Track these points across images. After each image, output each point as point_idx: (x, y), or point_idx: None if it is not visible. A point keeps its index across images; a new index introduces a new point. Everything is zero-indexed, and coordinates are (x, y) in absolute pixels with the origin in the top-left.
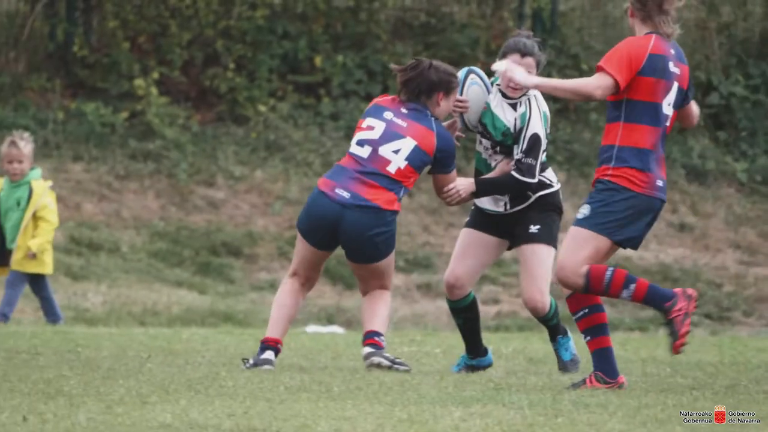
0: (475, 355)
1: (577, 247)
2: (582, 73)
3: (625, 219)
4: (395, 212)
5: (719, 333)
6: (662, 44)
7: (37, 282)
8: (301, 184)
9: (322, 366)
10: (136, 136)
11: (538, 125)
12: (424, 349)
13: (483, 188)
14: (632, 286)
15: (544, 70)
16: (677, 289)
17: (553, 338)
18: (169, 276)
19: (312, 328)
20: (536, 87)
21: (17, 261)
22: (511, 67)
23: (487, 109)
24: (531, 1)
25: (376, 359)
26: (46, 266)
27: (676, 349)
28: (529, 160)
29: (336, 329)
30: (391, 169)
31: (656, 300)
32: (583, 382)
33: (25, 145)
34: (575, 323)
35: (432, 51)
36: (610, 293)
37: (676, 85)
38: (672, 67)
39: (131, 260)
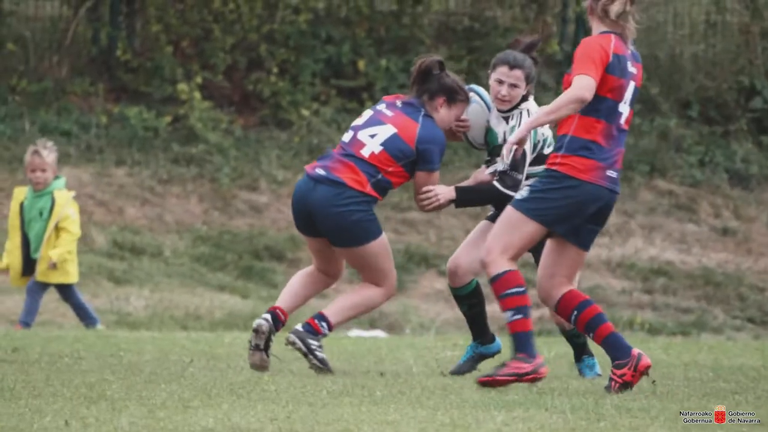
0: (483, 341)
1: (507, 230)
2: None
3: (563, 208)
4: (366, 195)
5: (762, 337)
6: (621, 44)
7: (64, 291)
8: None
9: (364, 370)
10: (179, 140)
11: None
12: None
13: (463, 196)
14: (517, 317)
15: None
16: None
17: (579, 358)
18: (212, 280)
19: (354, 333)
20: (533, 127)
21: (41, 272)
22: (507, 146)
23: (489, 126)
24: (574, 5)
25: (293, 338)
26: (70, 276)
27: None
28: (515, 174)
29: (378, 333)
30: (365, 152)
31: (520, 344)
32: (610, 381)
33: (48, 154)
34: (575, 325)
35: (475, 55)
36: (502, 302)
37: (632, 84)
38: (630, 67)
39: (174, 264)
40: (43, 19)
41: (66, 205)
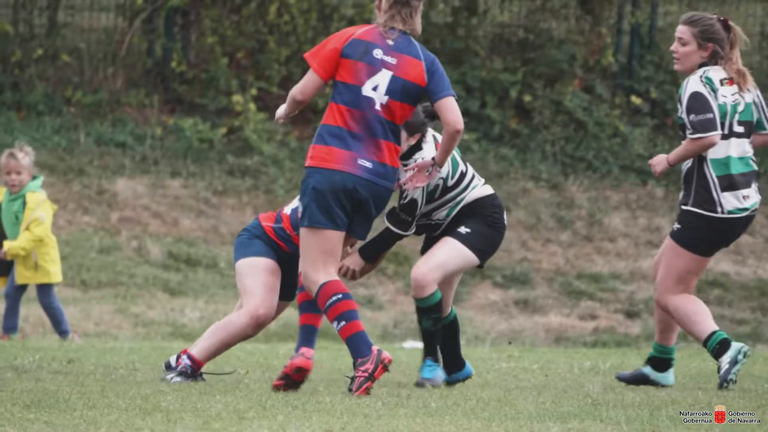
0: (450, 371)
1: (303, 246)
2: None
3: (318, 202)
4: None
5: None
6: (373, 32)
7: (43, 292)
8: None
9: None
10: (233, 152)
11: (417, 192)
12: (522, 364)
13: (369, 253)
14: (343, 323)
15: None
16: (374, 348)
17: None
18: None
19: (409, 344)
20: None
21: (20, 274)
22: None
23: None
24: (629, 17)
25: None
26: (51, 276)
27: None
28: (404, 216)
29: None
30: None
31: (353, 349)
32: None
33: (24, 156)
34: (326, 313)
35: (530, 67)
36: (326, 315)
37: (388, 73)
38: (381, 55)
39: (229, 276)
40: (98, 31)
41: (36, 208)
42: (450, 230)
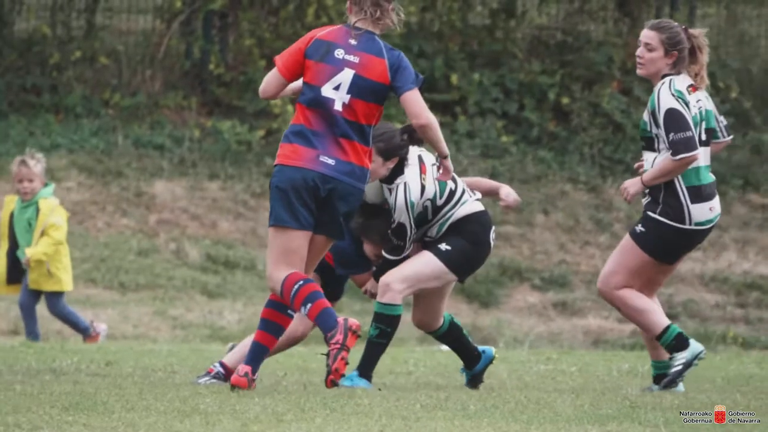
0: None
1: (269, 246)
2: (718, 91)
3: (281, 200)
4: None
5: None
6: (338, 33)
7: (52, 301)
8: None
9: (458, 384)
10: (272, 154)
11: (403, 216)
12: (560, 367)
13: (379, 275)
14: (309, 305)
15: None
16: (340, 319)
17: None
18: None
19: (448, 347)
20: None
21: (32, 280)
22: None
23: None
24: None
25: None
26: (63, 284)
27: (327, 384)
28: (396, 241)
29: None
30: None
31: (321, 325)
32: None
33: (36, 164)
34: (292, 302)
35: (568, 69)
36: (293, 305)
37: (350, 72)
38: (343, 55)
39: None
40: (136, 33)
41: (51, 214)
42: (431, 245)
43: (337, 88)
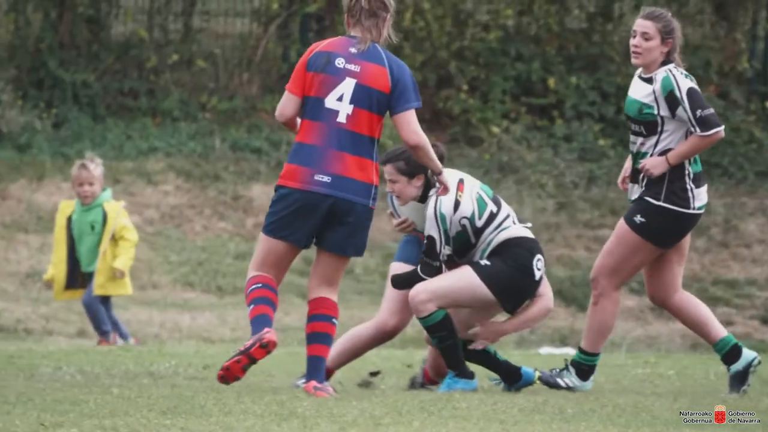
0: (461, 374)
1: (256, 248)
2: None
3: (286, 218)
4: None
5: None
6: (338, 43)
7: (107, 302)
8: (534, 206)
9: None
10: None
11: (433, 228)
12: (658, 370)
13: (399, 285)
14: (251, 306)
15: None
16: (265, 329)
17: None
18: None
19: (545, 350)
20: None
21: (99, 285)
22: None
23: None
24: (764, 23)
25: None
26: (128, 288)
27: (218, 378)
28: (428, 260)
29: (569, 351)
30: None
31: (251, 328)
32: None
33: (95, 167)
34: (246, 300)
35: None
36: (246, 302)
37: (352, 81)
38: (344, 64)
39: (364, 282)
40: (233, 37)
41: (119, 216)
42: (473, 263)
43: (340, 99)
